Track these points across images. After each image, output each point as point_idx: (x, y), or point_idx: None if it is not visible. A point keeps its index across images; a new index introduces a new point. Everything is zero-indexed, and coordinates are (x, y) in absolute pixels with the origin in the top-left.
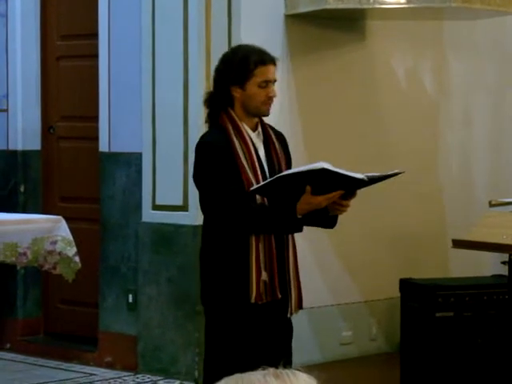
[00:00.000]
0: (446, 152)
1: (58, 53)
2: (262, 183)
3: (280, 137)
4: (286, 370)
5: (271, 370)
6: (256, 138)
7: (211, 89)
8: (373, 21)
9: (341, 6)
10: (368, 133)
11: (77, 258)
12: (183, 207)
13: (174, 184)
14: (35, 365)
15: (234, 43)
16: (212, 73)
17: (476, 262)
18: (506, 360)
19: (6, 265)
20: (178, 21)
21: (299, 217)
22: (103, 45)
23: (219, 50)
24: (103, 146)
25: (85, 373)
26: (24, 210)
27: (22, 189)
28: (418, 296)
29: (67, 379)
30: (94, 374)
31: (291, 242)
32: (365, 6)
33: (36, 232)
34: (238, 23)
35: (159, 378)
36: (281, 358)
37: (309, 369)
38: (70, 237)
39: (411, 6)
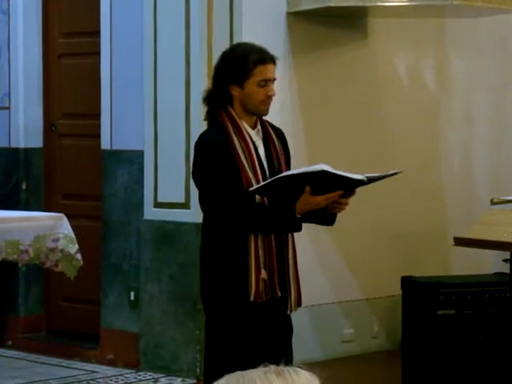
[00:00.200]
0: (447, 150)
1: (60, 50)
2: (261, 184)
3: (279, 133)
4: (288, 368)
5: (272, 367)
6: (255, 136)
7: (209, 87)
8: (375, 19)
9: (343, 3)
10: (369, 130)
11: (79, 256)
12: (185, 205)
13: (176, 181)
14: (37, 362)
15: (236, 40)
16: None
17: (477, 260)
18: (507, 358)
19: (8, 262)
20: (180, 18)
21: (298, 216)
22: (105, 42)
23: (221, 47)
24: (105, 144)
25: (86, 370)
26: (26, 207)
27: (23, 186)
28: (419, 294)
29: (69, 376)
30: (96, 372)
31: (291, 240)
32: (367, 4)
33: (38, 229)
34: (239, 21)
35: (161, 375)
36: (281, 355)
37: (310, 366)
38: (72, 234)
39: (413, 3)
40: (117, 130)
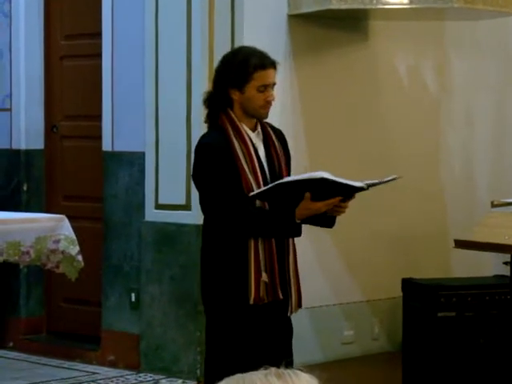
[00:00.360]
0: (447, 151)
1: (62, 52)
2: (261, 189)
3: (279, 135)
4: (288, 370)
5: (273, 369)
6: (256, 138)
7: (209, 89)
8: (376, 21)
9: (344, 6)
10: (370, 132)
11: (80, 257)
12: (186, 206)
13: (177, 183)
14: (38, 363)
15: (237, 43)
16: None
17: (478, 263)
18: (507, 360)
19: (9, 264)
20: (182, 20)
21: (298, 221)
22: (106, 44)
23: (222, 49)
24: (106, 146)
25: (87, 371)
26: (27, 208)
27: (25, 188)
28: (419, 296)
29: (70, 378)
30: (97, 373)
31: (291, 242)
32: (368, 7)
33: (39, 231)
34: (241, 23)
35: (161, 376)
36: (281, 357)
37: (310, 368)
38: (73, 236)
39: (414, 6)
40: (118, 132)
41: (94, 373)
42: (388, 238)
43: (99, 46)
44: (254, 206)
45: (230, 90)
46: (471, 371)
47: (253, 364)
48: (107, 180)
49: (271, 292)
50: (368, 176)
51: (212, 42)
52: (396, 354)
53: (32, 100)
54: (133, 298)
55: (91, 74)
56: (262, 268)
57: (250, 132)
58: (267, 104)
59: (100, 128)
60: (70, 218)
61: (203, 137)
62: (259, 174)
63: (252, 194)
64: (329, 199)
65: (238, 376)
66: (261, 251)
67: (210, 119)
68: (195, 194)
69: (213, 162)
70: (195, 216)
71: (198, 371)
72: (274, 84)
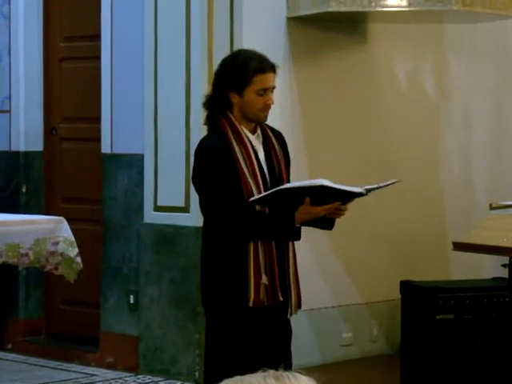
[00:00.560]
0: (446, 154)
1: (61, 54)
2: (261, 194)
3: (279, 137)
4: (287, 372)
5: (271, 372)
6: (255, 141)
7: (209, 92)
8: (374, 23)
9: (343, 8)
10: (369, 135)
11: (78, 259)
12: (185, 208)
13: (176, 185)
14: (36, 365)
15: (236, 45)
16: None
17: (476, 265)
18: (506, 362)
19: (8, 265)
20: (180, 23)
21: (297, 226)
22: (106, 46)
23: (221, 52)
24: (105, 148)
25: (86, 373)
26: (26, 210)
27: (24, 190)
28: (418, 298)
29: (68, 379)
30: (95, 375)
31: (291, 245)
32: (367, 9)
33: (38, 233)
34: (239, 25)
35: (160, 378)
36: (281, 359)
37: (309, 371)
38: (72, 238)
39: (412, 9)
40: (117, 134)
41: (92, 375)
42: (387, 240)
43: (98, 48)
44: (254, 209)
45: (229, 94)
46: (470, 374)
47: (252, 366)
48: (106, 182)
49: (271, 294)
50: (367, 178)
51: (211, 45)
52: (394, 357)
53: (31, 102)
54: (131, 300)
55: (90, 76)
56: (262, 270)
57: (249, 135)
58: (266, 108)
59: (99, 130)
60: (68, 219)
61: (203, 140)
62: (259, 176)
63: (252, 199)
64: (328, 204)
65: (237, 378)
66: (261, 254)
67: (209, 122)
68: (194, 196)
69: (213, 165)
70: (194, 218)
71: (197, 373)
72: (274, 88)
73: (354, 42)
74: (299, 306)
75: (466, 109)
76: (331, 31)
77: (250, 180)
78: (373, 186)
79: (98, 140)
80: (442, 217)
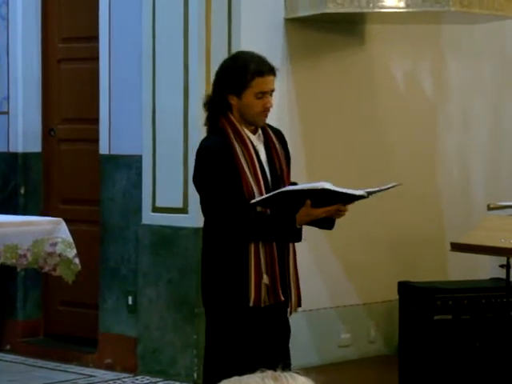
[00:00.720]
0: (444, 155)
1: (59, 55)
2: (263, 196)
3: (279, 135)
4: (285, 373)
5: (269, 372)
6: (256, 141)
7: (209, 93)
8: (372, 25)
9: (340, 10)
10: (367, 136)
11: (77, 260)
12: (183, 209)
13: (174, 186)
14: (35, 366)
15: (234, 46)
16: (212, 76)
17: (474, 265)
18: (504, 363)
19: (7, 266)
20: (179, 24)
21: (298, 227)
22: (104, 48)
23: (219, 52)
24: (103, 149)
25: (84, 374)
26: (24, 211)
27: (22, 191)
28: (416, 299)
29: (67, 380)
30: (94, 376)
31: (291, 245)
32: (364, 10)
33: (36, 234)
34: (238, 27)
35: (158, 379)
36: (280, 359)
37: (307, 371)
38: (70, 239)
39: (410, 10)
40: (115, 135)
41: (90, 375)
42: (385, 241)
43: (96, 50)
44: (255, 210)
45: (228, 96)
46: (467, 374)
47: (252, 366)
48: (104, 183)
49: (272, 294)
50: (365, 179)
51: (209, 46)
52: (392, 357)
53: (29, 103)
54: (130, 301)
55: (88, 77)
56: (263, 270)
57: (250, 135)
58: (265, 111)
59: (97, 131)
60: (67, 221)
61: (204, 140)
62: (260, 177)
63: (253, 201)
64: (329, 206)
65: (235, 379)
66: (261, 253)
67: (210, 122)
68: (192, 197)
69: (214, 166)
70: (192, 219)
71: (195, 374)
72: (273, 90)
73: (351, 43)
74: (299, 304)
75: (464, 110)
76: (329, 32)
77: (252, 180)
78: (374, 189)
79: (96, 141)
80: (440, 218)
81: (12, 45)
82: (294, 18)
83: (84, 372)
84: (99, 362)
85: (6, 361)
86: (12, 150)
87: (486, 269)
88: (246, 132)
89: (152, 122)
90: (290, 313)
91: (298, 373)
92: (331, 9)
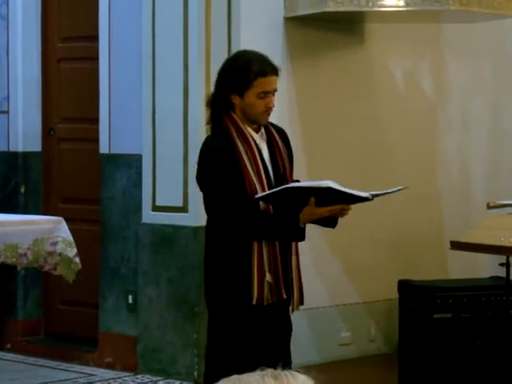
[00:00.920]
0: (444, 155)
1: (59, 55)
2: (267, 192)
3: (282, 134)
4: (285, 371)
5: (269, 371)
6: (259, 139)
7: (212, 91)
8: (372, 23)
9: (340, 8)
10: (366, 135)
11: (77, 259)
12: (183, 208)
13: (174, 185)
14: (35, 365)
15: (234, 46)
16: (212, 75)
17: (474, 264)
18: (503, 361)
19: (7, 265)
20: (178, 23)
21: (302, 226)
22: (104, 47)
23: (219, 52)
24: (103, 148)
25: (85, 373)
26: (24, 211)
27: (22, 190)
28: (416, 297)
29: (67, 379)
30: (94, 375)
31: (294, 244)
32: (364, 9)
33: (36, 233)
34: (237, 26)
35: (159, 378)
36: (281, 356)
37: (307, 370)
38: (71, 238)
39: (410, 9)
40: (115, 134)
41: (91, 374)
42: (385, 240)
43: (96, 49)
44: (259, 209)
45: (230, 95)
46: (467, 372)
47: (254, 364)
48: (104, 182)
49: (275, 292)
50: (365, 179)
51: (209, 45)
52: (392, 356)
53: (29, 102)
54: (130, 300)
55: (88, 76)
56: (266, 268)
57: (253, 133)
58: (267, 110)
59: (97, 130)
60: (67, 220)
61: (207, 139)
62: (263, 175)
63: (257, 196)
64: (332, 205)
65: (235, 377)
66: (264, 252)
67: (213, 121)
68: (192, 196)
69: (217, 165)
70: (192, 218)
71: (196, 373)
72: (275, 90)
73: (351, 41)
74: (301, 302)
75: (464, 109)
76: (329, 31)
77: (255, 178)
78: (379, 192)
79: (96, 140)
80: (440, 217)
81: (12, 44)
82: (294, 16)
83: (84, 371)
84: (99, 361)
85: (7, 360)
86: (12, 149)
87: (486, 267)
88: (249, 131)
89: (152, 121)
90: (292, 310)
91: (298, 371)
92: (331, 7)
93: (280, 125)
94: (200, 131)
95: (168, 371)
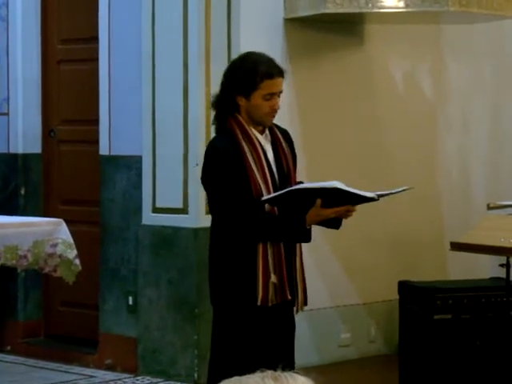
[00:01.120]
0: (444, 156)
1: (59, 56)
2: (273, 194)
3: (286, 135)
4: (285, 373)
5: (270, 372)
6: (264, 141)
7: (212, 92)
8: (371, 25)
9: (340, 10)
10: (366, 136)
11: (77, 261)
12: (183, 210)
13: (174, 187)
14: (35, 367)
15: (234, 47)
16: (212, 76)
17: (474, 265)
18: (504, 362)
19: (7, 267)
20: (178, 25)
21: (308, 227)
22: (103, 49)
23: (219, 53)
24: (103, 150)
25: (85, 375)
26: (24, 212)
27: (22, 192)
28: (416, 298)
29: (67, 381)
30: (94, 376)
31: (298, 245)
32: (363, 10)
33: (37, 235)
34: (237, 27)
35: (159, 379)
36: (285, 357)
37: (307, 371)
38: (71, 239)
39: (409, 10)
40: (115, 136)
41: (91, 376)
42: (385, 241)
43: (96, 50)
44: (264, 210)
45: (236, 97)
46: (467, 373)
47: (258, 364)
48: (104, 184)
49: (280, 293)
50: (364, 179)
51: (209, 46)
52: (393, 357)
53: (29, 104)
54: (130, 302)
55: (88, 78)
56: (271, 270)
57: (258, 135)
58: (272, 112)
59: (97, 132)
60: (67, 221)
61: (212, 141)
62: (268, 176)
63: (264, 198)
64: (338, 206)
65: (236, 379)
66: (269, 253)
67: (217, 122)
68: (192, 198)
69: (223, 166)
70: (192, 219)
71: (196, 374)
72: (281, 92)
73: (351, 43)
74: (305, 303)
75: (464, 110)
76: (328, 32)
77: (260, 179)
78: (384, 192)
79: (96, 142)
80: (440, 218)
81: (12, 46)
82: (294, 18)
83: (84, 372)
84: (100, 363)
85: (7, 361)
86: (12, 151)
87: (486, 268)
88: (254, 132)
89: (152, 122)
90: (297, 311)
91: (297, 373)
92: (330, 9)
93: (280, 125)
94: (200, 132)
95: (168, 372)
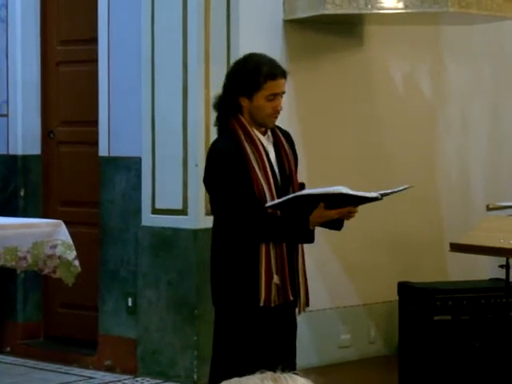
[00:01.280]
0: (443, 157)
1: (58, 58)
2: (278, 200)
3: (287, 137)
4: (284, 374)
5: (269, 373)
6: (266, 142)
7: (212, 94)
8: (370, 26)
9: (339, 11)
10: (365, 137)
11: (76, 262)
12: (182, 211)
13: (174, 188)
14: (35, 368)
15: (233, 48)
16: (211, 78)
17: (474, 266)
18: (503, 363)
19: (6, 269)
20: (178, 26)
21: (311, 229)
22: (103, 50)
23: (218, 55)
24: (103, 151)
25: (84, 376)
26: (24, 214)
27: (22, 193)
28: (416, 299)
29: (67, 382)
30: (94, 378)
31: (300, 246)
32: (362, 11)
33: (36, 236)
34: (236, 28)
35: (158, 381)
36: (287, 358)
37: (307, 372)
38: (70, 241)
39: (409, 11)
40: (114, 137)
41: (90, 377)
42: (384, 242)
43: (95, 52)
44: (267, 211)
45: (239, 98)
46: (467, 374)
47: (260, 365)
48: (104, 185)
49: (282, 294)
50: (364, 180)
51: (208, 48)
52: (392, 358)
53: (29, 106)
54: (130, 303)
55: (88, 79)
56: (274, 270)
57: (260, 136)
58: (275, 113)
59: (96, 133)
60: (66, 223)
61: (215, 142)
62: (271, 177)
63: (268, 205)
64: (341, 207)
65: (235, 380)
66: (272, 254)
67: (219, 123)
68: (192, 199)
69: (226, 167)
70: (192, 220)
71: (195, 375)
72: (283, 93)
73: (350, 44)
74: (307, 304)
75: (464, 111)
76: (327, 33)
77: (262, 180)
78: (387, 191)
79: (96, 143)
80: (440, 219)
81: (11, 47)
82: (293, 19)
83: (84, 374)
84: (99, 364)
85: (6, 363)
86: (12, 152)
87: (486, 269)
88: (256, 133)
89: (151, 123)
90: (299, 312)
91: (297, 374)
92: (330, 10)
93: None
94: (200, 133)
95: (168, 374)
